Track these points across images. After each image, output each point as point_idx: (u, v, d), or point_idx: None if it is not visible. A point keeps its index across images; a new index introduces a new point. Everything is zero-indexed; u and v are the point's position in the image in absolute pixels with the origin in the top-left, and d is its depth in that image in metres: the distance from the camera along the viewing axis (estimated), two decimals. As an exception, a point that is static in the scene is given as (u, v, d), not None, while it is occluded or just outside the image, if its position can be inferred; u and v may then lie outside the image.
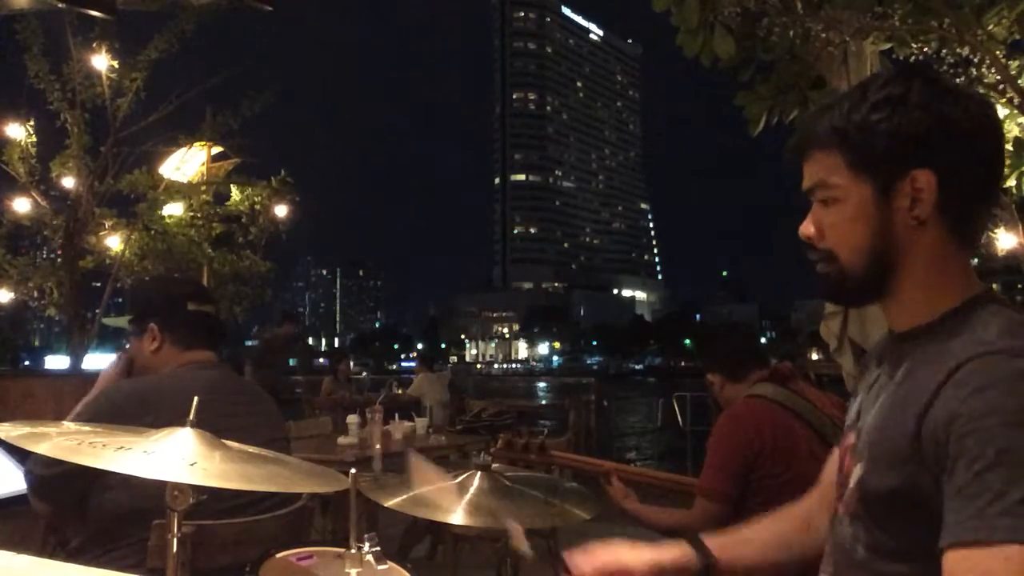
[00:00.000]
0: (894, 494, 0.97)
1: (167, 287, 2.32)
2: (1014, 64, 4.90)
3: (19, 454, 2.10)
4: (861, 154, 1.02)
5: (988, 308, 1.00)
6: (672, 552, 1.25)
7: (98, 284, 9.73)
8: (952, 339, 0.98)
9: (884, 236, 1.02)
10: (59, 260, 8.83)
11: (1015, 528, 0.82)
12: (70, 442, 1.28)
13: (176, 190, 9.01)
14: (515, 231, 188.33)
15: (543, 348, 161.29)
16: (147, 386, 1.97)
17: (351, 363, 11.58)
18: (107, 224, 8.78)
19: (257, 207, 9.45)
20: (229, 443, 1.40)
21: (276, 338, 8.43)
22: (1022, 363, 0.89)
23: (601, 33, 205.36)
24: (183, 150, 9.01)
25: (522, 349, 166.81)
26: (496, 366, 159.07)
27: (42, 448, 1.24)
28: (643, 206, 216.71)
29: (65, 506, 1.85)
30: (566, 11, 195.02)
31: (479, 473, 1.62)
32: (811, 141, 1.07)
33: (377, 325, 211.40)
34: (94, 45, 8.35)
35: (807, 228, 1.09)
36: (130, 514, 1.75)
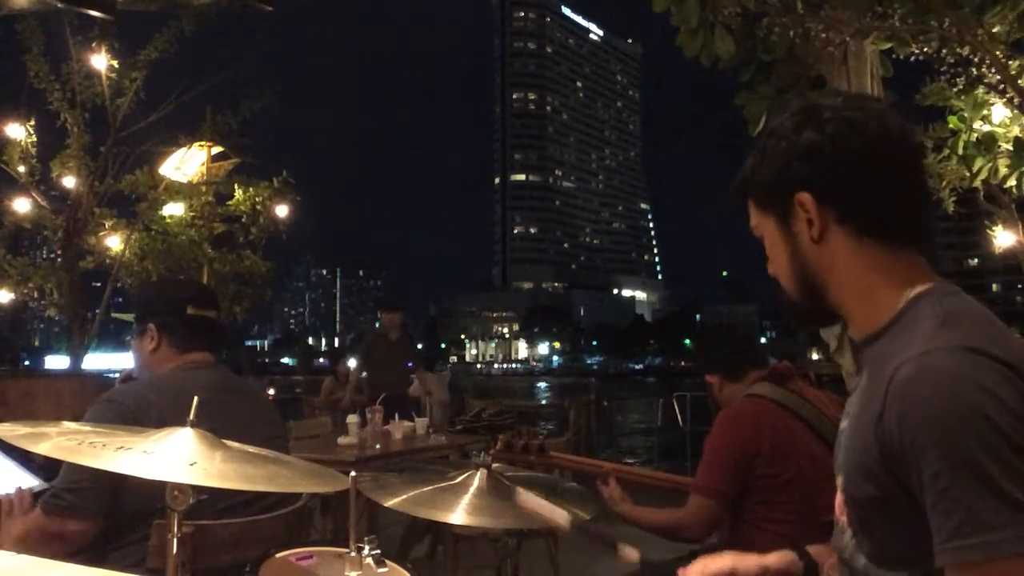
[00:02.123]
0: (873, 503, 0.98)
1: (169, 289, 2.33)
2: (1014, 64, 4.90)
3: (19, 455, 2.10)
4: (756, 193, 1.15)
5: (931, 300, 1.01)
6: (774, 556, 1.36)
7: (98, 284, 9.74)
8: (894, 341, 1.00)
9: (798, 259, 1.11)
10: (59, 260, 8.84)
11: (994, 544, 0.84)
12: (70, 442, 1.28)
13: (176, 190, 9.01)
14: (515, 231, 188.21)
15: (543, 348, 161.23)
16: (146, 387, 1.98)
17: (348, 363, 11.50)
18: (107, 224, 8.78)
19: (258, 207, 9.45)
20: (229, 443, 1.40)
21: (382, 334, 7.69)
22: (956, 359, 0.90)
23: (601, 33, 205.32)
24: (183, 150, 9.01)
25: (522, 349, 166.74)
26: (496, 366, 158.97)
27: (42, 448, 1.24)
28: (643, 206, 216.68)
29: (92, 521, 1.78)
30: (566, 11, 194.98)
31: (479, 473, 1.62)
32: (736, 195, 1.20)
33: (377, 325, 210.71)
34: (94, 45, 8.36)
35: (768, 267, 1.19)
36: (131, 514, 1.75)
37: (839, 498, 1.09)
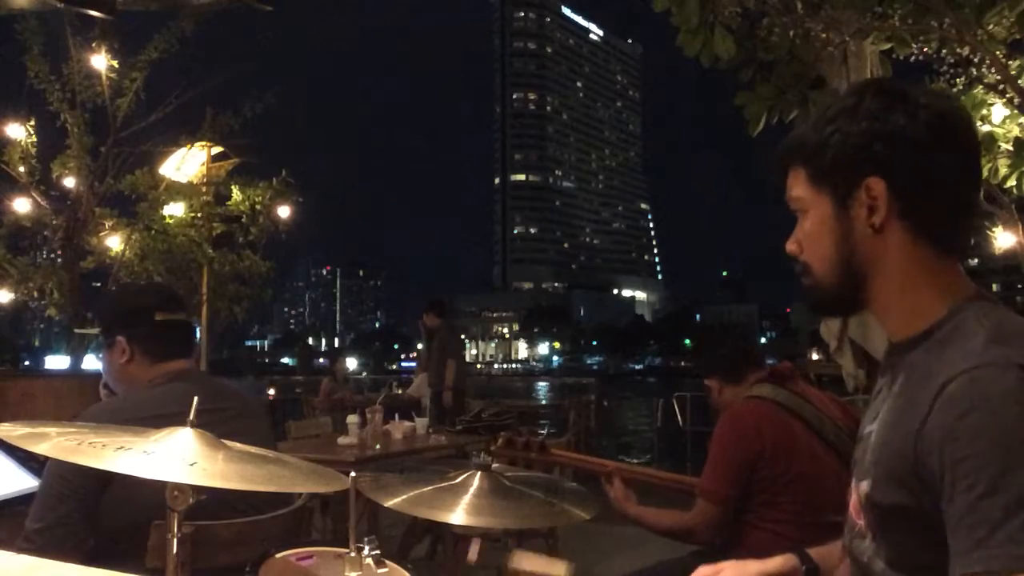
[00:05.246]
0: (899, 511, 0.97)
1: (132, 297, 2.19)
2: (1014, 64, 4.91)
3: (16, 454, 2.09)
4: (817, 167, 1.06)
5: (976, 312, 0.99)
6: (776, 562, 1.31)
7: (98, 284, 9.73)
8: (942, 351, 0.98)
9: (848, 245, 1.05)
10: (59, 260, 8.83)
11: (1015, 558, 0.82)
12: (70, 442, 1.27)
13: (176, 190, 9.01)
14: (515, 231, 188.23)
15: (543, 348, 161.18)
16: (124, 406, 1.92)
17: (345, 363, 11.48)
18: (107, 224, 8.77)
19: (258, 207, 9.45)
20: (229, 443, 1.40)
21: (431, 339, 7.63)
22: (1008, 376, 0.89)
23: (601, 33, 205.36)
24: (183, 150, 9.02)
25: (522, 349, 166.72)
26: (496, 366, 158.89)
27: (42, 448, 1.23)
28: (643, 206, 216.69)
29: (68, 558, 1.69)
30: (566, 11, 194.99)
31: (479, 473, 1.61)
32: (784, 158, 1.12)
33: (377, 325, 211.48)
34: (94, 45, 8.35)
35: (790, 244, 1.13)
36: (134, 526, 1.72)
37: (855, 501, 1.07)
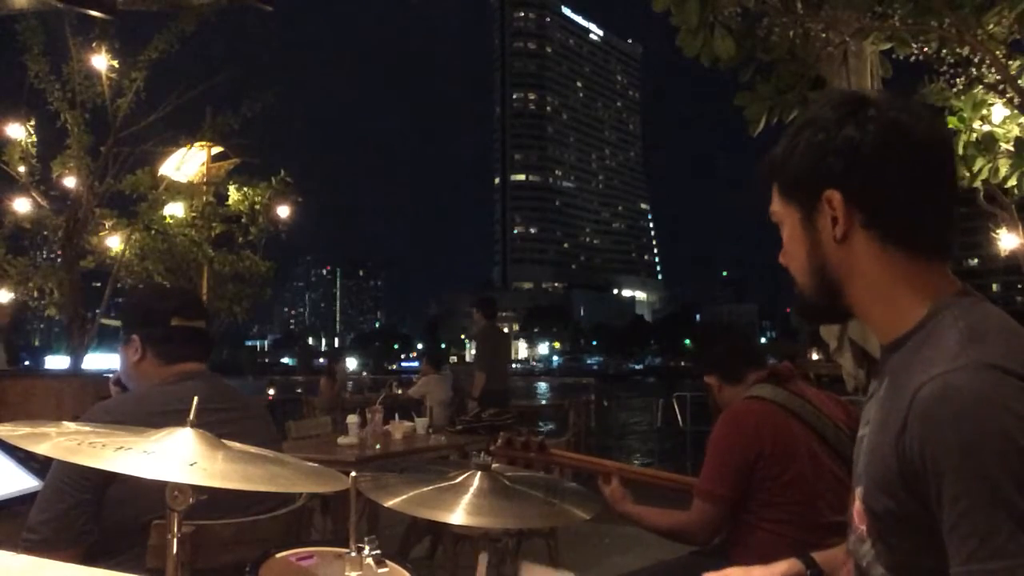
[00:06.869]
0: (891, 516, 0.97)
1: (152, 300, 2.22)
2: (1014, 64, 4.91)
3: (16, 454, 2.09)
4: (784, 181, 1.10)
5: (954, 311, 0.99)
6: (781, 567, 1.33)
7: (98, 284, 9.74)
8: (918, 353, 0.98)
9: (818, 256, 1.07)
10: (59, 260, 8.84)
11: (1009, 570, 0.83)
12: (70, 442, 1.28)
13: (176, 190, 9.02)
14: (515, 231, 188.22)
15: (543, 348, 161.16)
16: (132, 400, 1.94)
17: (344, 363, 11.46)
18: (107, 224, 8.78)
19: (257, 207, 9.45)
20: (229, 443, 1.40)
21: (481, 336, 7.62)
22: (981, 379, 0.88)
23: (601, 33, 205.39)
24: (183, 150, 9.02)
25: (522, 349, 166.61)
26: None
27: (42, 448, 1.23)
28: (643, 206, 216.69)
29: (71, 551, 1.73)
30: (566, 11, 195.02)
31: (479, 473, 1.61)
32: (764, 174, 1.15)
33: (377, 325, 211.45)
34: (94, 45, 8.36)
35: (781, 256, 1.16)
36: (135, 525, 1.73)
37: (857, 507, 1.07)
